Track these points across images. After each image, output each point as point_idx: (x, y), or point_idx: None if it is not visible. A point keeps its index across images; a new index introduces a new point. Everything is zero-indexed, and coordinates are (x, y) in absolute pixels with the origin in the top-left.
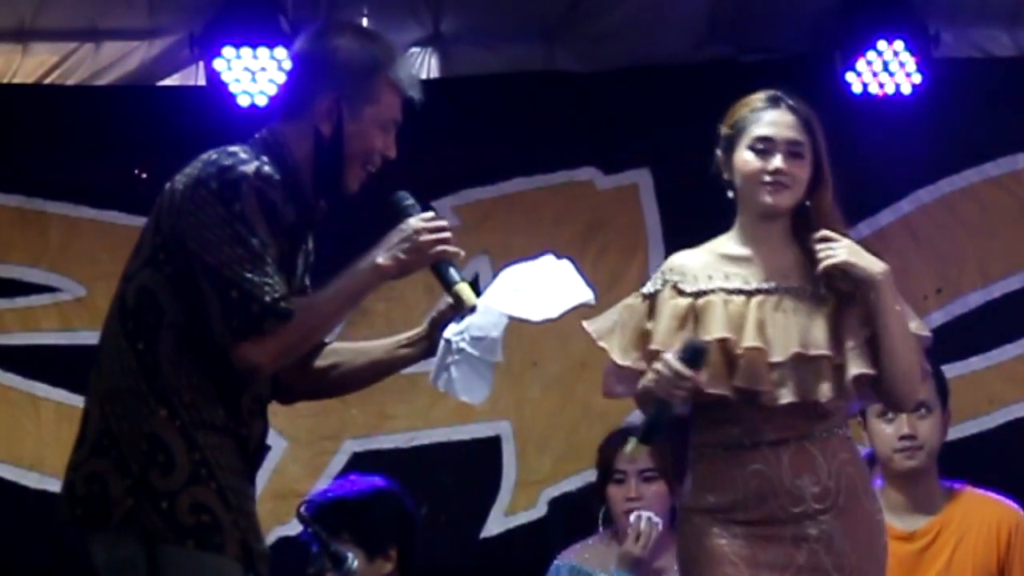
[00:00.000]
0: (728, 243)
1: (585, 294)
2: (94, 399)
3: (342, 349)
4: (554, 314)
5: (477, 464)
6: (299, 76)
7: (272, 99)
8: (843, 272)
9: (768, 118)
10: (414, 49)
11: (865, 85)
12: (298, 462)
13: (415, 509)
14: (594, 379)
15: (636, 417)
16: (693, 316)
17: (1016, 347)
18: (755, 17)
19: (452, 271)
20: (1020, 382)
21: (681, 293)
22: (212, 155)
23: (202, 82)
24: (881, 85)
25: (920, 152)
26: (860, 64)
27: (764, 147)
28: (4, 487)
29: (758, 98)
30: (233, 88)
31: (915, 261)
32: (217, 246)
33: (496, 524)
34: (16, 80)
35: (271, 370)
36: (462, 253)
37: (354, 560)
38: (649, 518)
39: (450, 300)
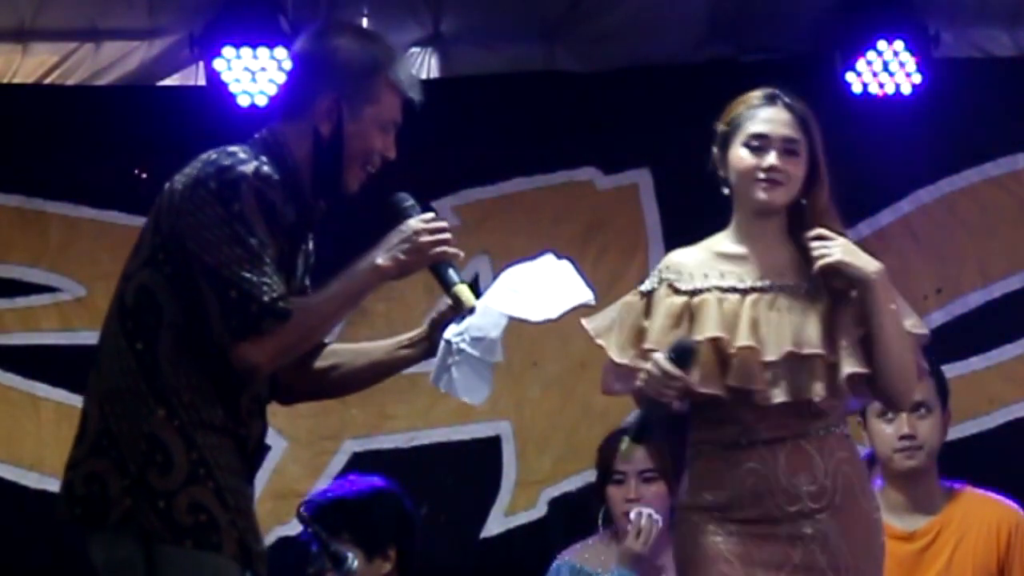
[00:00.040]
0: (724, 241)
1: (585, 294)
2: (93, 399)
3: (342, 350)
4: (554, 315)
5: (477, 464)
6: (299, 76)
7: (272, 99)
8: (837, 271)
9: (764, 115)
10: (414, 49)
11: (865, 85)
12: (298, 462)
13: (415, 509)
14: (594, 379)
15: (636, 417)
16: (688, 315)
17: (1016, 347)
18: (755, 17)
19: (451, 272)
20: (1020, 382)
21: (677, 291)
22: (211, 155)
23: (202, 82)
24: (881, 85)
25: (920, 152)
26: (860, 64)
27: (759, 144)
28: (4, 487)
29: (755, 95)
30: (233, 88)
31: (915, 261)
32: (216, 246)
33: (496, 524)
34: (16, 80)
35: (269, 370)
36: (461, 254)
37: (354, 560)
38: (650, 515)
39: (450, 301)
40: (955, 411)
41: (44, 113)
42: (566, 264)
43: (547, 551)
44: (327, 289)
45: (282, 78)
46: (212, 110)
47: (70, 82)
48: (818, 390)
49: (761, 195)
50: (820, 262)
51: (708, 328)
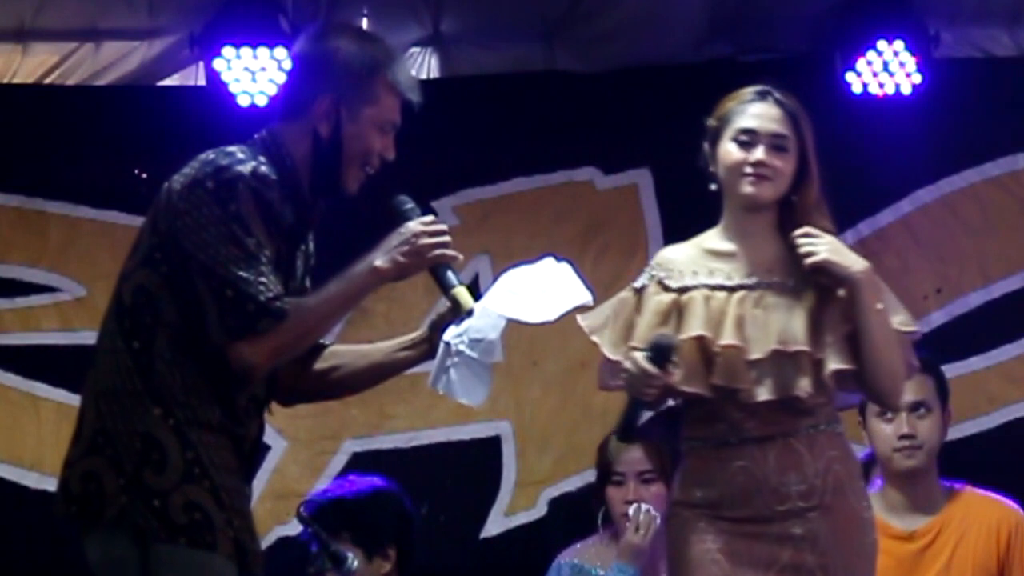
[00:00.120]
0: (714, 238)
1: (583, 296)
2: (90, 397)
3: (342, 351)
4: (552, 316)
5: (477, 464)
6: (298, 77)
7: (272, 100)
8: (823, 269)
9: (753, 111)
10: (414, 49)
11: (865, 85)
12: (298, 462)
13: (414, 509)
14: (594, 378)
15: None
16: (676, 312)
17: (1016, 347)
18: (755, 17)
19: (450, 275)
20: (1020, 382)
21: (666, 289)
22: (209, 155)
23: (202, 82)
24: (881, 85)
25: (920, 152)
26: (860, 64)
27: (747, 139)
28: (4, 487)
29: (747, 91)
30: (233, 88)
31: (915, 261)
32: (213, 246)
33: (496, 524)
34: (16, 80)
35: (266, 370)
36: (460, 257)
37: (354, 560)
38: (648, 510)
39: (449, 303)
40: (955, 411)
41: (44, 113)
42: (565, 266)
43: (547, 551)
44: (325, 290)
45: (282, 78)
46: (212, 110)
47: (70, 82)
48: (804, 386)
49: (748, 189)
50: (806, 260)
51: (693, 327)
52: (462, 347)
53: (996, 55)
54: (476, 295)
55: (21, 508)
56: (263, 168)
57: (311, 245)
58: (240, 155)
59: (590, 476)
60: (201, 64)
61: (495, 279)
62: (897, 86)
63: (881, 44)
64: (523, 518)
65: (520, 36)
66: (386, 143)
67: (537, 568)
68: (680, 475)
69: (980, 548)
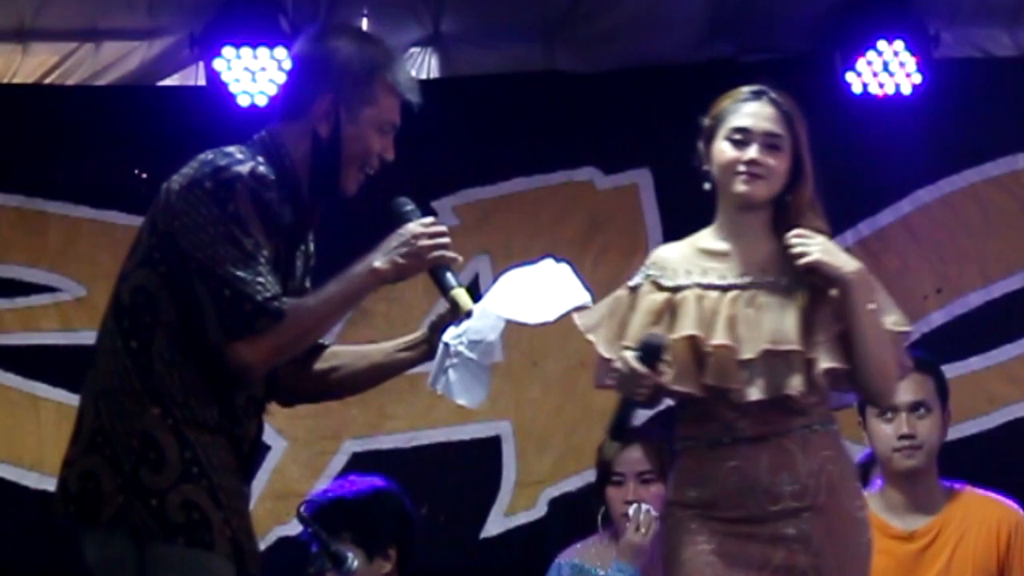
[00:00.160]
0: (708, 237)
1: (582, 297)
2: (89, 397)
3: (342, 352)
4: (551, 317)
5: (477, 464)
6: (298, 78)
7: (271, 100)
8: (815, 270)
9: (747, 110)
10: (414, 49)
11: (865, 85)
12: (298, 462)
13: (414, 509)
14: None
15: (638, 418)
16: (670, 311)
17: (1016, 347)
18: (755, 17)
19: (449, 276)
20: (1020, 382)
21: (660, 288)
22: (208, 155)
23: (202, 82)
24: (881, 85)
25: (920, 152)
26: (860, 64)
27: (741, 137)
28: (4, 487)
29: (742, 91)
30: (233, 88)
31: (915, 261)
32: (210, 245)
33: (496, 524)
34: (16, 80)
35: (264, 370)
36: (460, 259)
37: (354, 560)
38: (648, 510)
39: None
40: (955, 411)
41: (44, 113)
42: (564, 267)
43: (547, 551)
44: (324, 290)
45: (282, 78)
46: (212, 110)
47: (70, 82)
48: (796, 384)
49: (741, 187)
50: (798, 261)
51: (685, 326)
52: (461, 348)
53: (996, 55)
54: (476, 296)
55: (21, 508)
56: (261, 168)
57: (311, 245)
58: (238, 155)
59: (590, 476)
60: (201, 64)
61: (495, 280)
62: (897, 86)
63: (881, 44)
64: (523, 518)
65: (520, 36)
66: (385, 144)
67: (537, 568)
68: (674, 475)
69: (980, 548)
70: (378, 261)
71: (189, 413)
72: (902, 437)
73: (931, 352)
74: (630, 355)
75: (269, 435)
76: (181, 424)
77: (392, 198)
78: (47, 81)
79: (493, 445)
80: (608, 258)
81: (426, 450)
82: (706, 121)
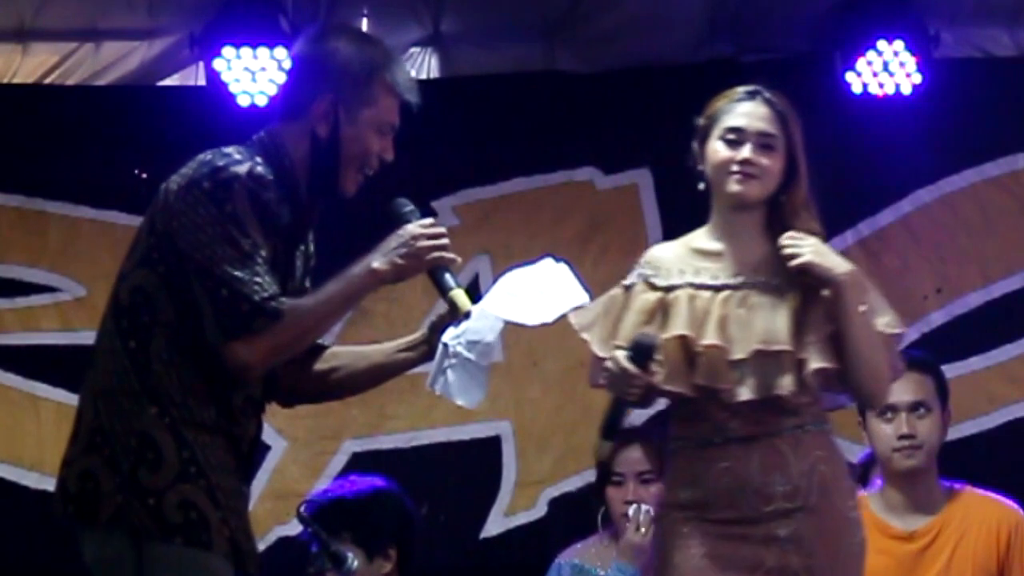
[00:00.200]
0: (702, 237)
1: (581, 297)
2: (88, 397)
3: (342, 352)
4: (549, 318)
5: (477, 464)
6: (297, 78)
7: (271, 100)
8: (807, 271)
9: (742, 109)
10: (414, 49)
11: (865, 85)
12: (298, 462)
13: (415, 509)
14: None
15: (637, 417)
16: (662, 311)
17: (1016, 347)
18: (755, 17)
19: (448, 277)
20: (1020, 382)
21: (653, 287)
22: (207, 156)
23: (202, 82)
24: (881, 85)
25: (920, 152)
26: (860, 64)
27: (735, 137)
28: (4, 487)
29: (737, 91)
30: (233, 88)
31: (915, 261)
32: (208, 246)
33: (496, 524)
34: (16, 80)
35: (262, 370)
36: (459, 260)
37: (354, 560)
38: (648, 510)
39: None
40: (955, 411)
41: (44, 113)
42: (563, 267)
43: (547, 551)
44: (323, 291)
45: (282, 78)
46: (212, 110)
47: (70, 82)
48: (786, 384)
49: (734, 187)
50: (790, 263)
51: (677, 326)
52: (459, 349)
53: (996, 55)
54: (475, 297)
55: (21, 508)
56: (259, 168)
57: (311, 246)
58: (237, 156)
59: (590, 476)
60: (201, 64)
61: (495, 280)
62: (897, 86)
63: (881, 44)
64: (523, 518)
65: (520, 36)
66: (384, 144)
67: (537, 568)
68: (668, 476)
69: (980, 548)
70: (377, 262)
71: (187, 413)
72: (902, 437)
73: (931, 352)
74: (621, 355)
75: (269, 435)
76: (179, 424)
77: (392, 198)
78: (47, 81)
79: (493, 445)
80: (608, 258)
81: (426, 450)
82: (700, 121)
